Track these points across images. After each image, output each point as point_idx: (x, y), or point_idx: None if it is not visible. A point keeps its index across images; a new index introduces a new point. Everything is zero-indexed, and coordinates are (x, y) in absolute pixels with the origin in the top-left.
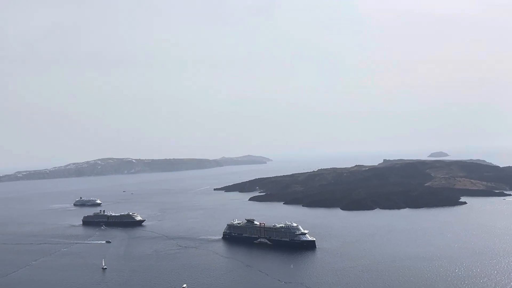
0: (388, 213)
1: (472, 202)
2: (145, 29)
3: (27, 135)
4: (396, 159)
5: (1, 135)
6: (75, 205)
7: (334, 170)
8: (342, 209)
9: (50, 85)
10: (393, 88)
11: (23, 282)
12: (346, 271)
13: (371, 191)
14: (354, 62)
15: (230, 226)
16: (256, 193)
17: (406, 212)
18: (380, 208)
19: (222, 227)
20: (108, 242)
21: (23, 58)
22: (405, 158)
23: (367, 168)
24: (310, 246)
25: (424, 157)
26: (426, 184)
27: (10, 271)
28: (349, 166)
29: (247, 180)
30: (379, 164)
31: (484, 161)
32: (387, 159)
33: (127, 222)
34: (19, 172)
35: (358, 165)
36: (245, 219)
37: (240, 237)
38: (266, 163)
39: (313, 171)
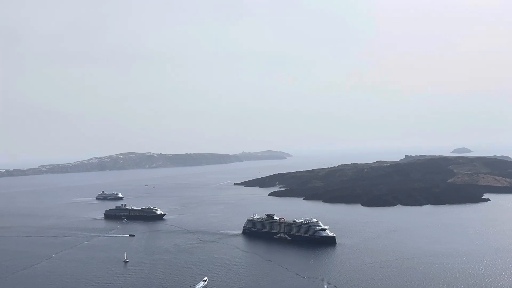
0: (409, 210)
1: (496, 199)
2: (163, 25)
3: (51, 130)
4: (418, 155)
5: (25, 129)
6: (97, 198)
7: (355, 165)
8: (363, 205)
9: (71, 81)
10: (417, 85)
11: (45, 274)
12: (366, 267)
13: (392, 187)
14: (374, 58)
15: (250, 221)
16: (276, 188)
17: (428, 208)
18: (402, 205)
19: (242, 222)
20: (131, 235)
21: (45, 55)
22: (427, 154)
23: (388, 164)
24: (330, 241)
25: (446, 153)
26: (448, 181)
27: (33, 263)
28: (370, 162)
29: (267, 175)
30: (400, 160)
31: (508, 157)
32: (409, 155)
33: (148, 216)
34: (43, 166)
35: (379, 161)
36: (265, 214)
37: (260, 232)
38: (286, 158)
39: (334, 166)
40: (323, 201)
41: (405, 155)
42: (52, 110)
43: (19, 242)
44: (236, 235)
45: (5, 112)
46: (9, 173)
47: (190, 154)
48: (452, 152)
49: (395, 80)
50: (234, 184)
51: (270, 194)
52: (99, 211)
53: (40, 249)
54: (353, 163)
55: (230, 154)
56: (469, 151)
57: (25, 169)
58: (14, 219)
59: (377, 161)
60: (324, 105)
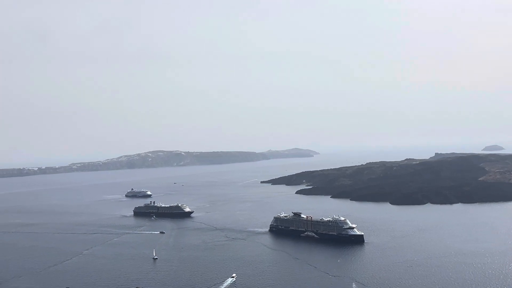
0: (439, 208)
1: None
2: (191, 24)
3: (82, 128)
4: (449, 152)
5: (56, 128)
6: (126, 196)
7: (383, 163)
8: (392, 203)
9: (101, 79)
10: (448, 82)
11: (75, 270)
12: (395, 266)
13: (422, 185)
14: (406, 56)
15: (277, 219)
16: (303, 186)
17: (458, 207)
18: (431, 203)
19: (269, 220)
20: (162, 232)
21: (76, 53)
22: (458, 152)
23: (417, 162)
24: (358, 240)
25: (478, 150)
26: (480, 179)
27: (64, 259)
28: (399, 160)
29: (294, 173)
30: (430, 158)
31: None
32: (439, 152)
33: (176, 213)
34: (73, 164)
35: (409, 158)
36: (292, 212)
37: (287, 230)
38: (313, 156)
39: (362, 164)
40: (350, 200)
41: (435, 153)
42: (81, 109)
43: (51, 239)
44: (263, 233)
45: (36, 112)
46: (41, 171)
47: (217, 152)
48: (484, 149)
49: (425, 76)
50: (261, 182)
51: (297, 192)
52: (128, 208)
53: (71, 246)
54: (381, 161)
55: (256, 152)
56: (501, 148)
57: (57, 167)
58: (46, 216)
59: (406, 159)
60: (352, 103)
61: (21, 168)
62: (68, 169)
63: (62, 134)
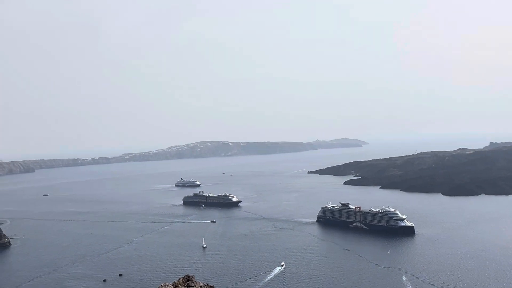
0: (494, 199)
1: None
2: (242, 14)
3: (133, 119)
4: (504, 141)
5: (109, 119)
6: (176, 185)
7: (435, 153)
8: (444, 194)
9: (151, 71)
10: (502, 67)
11: (127, 257)
12: (447, 258)
13: (475, 176)
14: (456, 41)
15: (325, 210)
16: (351, 177)
17: None
18: (486, 194)
19: (316, 210)
20: (212, 221)
21: (124, 44)
22: None
23: (471, 152)
24: (409, 231)
25: None
26: None
27: (117, 246)
28: (452, 150)
29: (342, 164)
30: (485, 147)
31: None
32: (494, 142)
33: (224, 203)
34: (125, 154)
35: (462, 148)
36: (340, 203)
37: (335, 220)
38: (361, 146)
39: (412, 154)
40: (400, 190)
41: (490, 142)
42: (132, 99)
43: (104, 227)
44: (310, 223)
45: (89, 104)
46: (94, 161)
47: (264, 142)
48: None
49: (478, 62)
50: (308, 172)
51: (345, 183)
52: (178, 197)
53: (123, 234)
54: (433, 151)
55: (304, 142)
56: None
57: (109, 157)
58: (99, 205)
59: (459, 149)
60: (403, 91)
61: (76, 158)
62: (120, 159)
63: (113, 125)
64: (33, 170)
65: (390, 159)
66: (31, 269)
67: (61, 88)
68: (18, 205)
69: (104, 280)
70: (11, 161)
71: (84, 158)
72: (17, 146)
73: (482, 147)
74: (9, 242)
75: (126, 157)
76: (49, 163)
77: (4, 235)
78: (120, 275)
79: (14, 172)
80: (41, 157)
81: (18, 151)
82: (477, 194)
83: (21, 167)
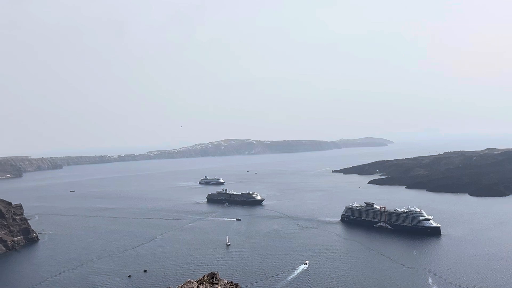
0: None
1: None
2: (265, 13)
3: (158, 117)
4: None
5: (134, 117)
6: (200, 183)
7: (462, 153)
8: (471, 194)
9: (175, 68)
10: None
11: (152, 253)
12: (473, 259)
13: (504, 176)
14: (479, 42)
15: (349, 209)
16: (376, 176)
17: None
18: None
19: (340, 210)
20: (238, 219)
21: (150, 43)
22: None
23: (499, 152)
24: (435, 232)
25: None
26: None
27: (141, 243)
28: (479, 149)
29: (367, 163)
30: None
31: None
32: None
33: (248, 201)
34: (151, 152)
35: (490, 148)
36: (365, 203)
37: (359, 220)
38: (387, 145)
39: (439, 154)
40: (427, 190)
41: None
42: (158, 98)
43: (129, 223)
44: (334, 223)
45: (117, 103)
46: (121, 158)
47: (288, 141)
48: None
49: (508, 64)
50: (332, 171)
51: (370, 182)
52: (202, 195)
53: (147, 230)
54: (460, 151)
55: (328, 141)
56: None
57: (135, 154)
58: (125, 201)
59: (487, 149)
60: (429, 90)
61: (102, 155)
62: (146, 156)
63: (139, 123)
64: (60, 167)
65: (416, 158)
66: (58, 264)
67: (89, 86)
68: (46, 201)
69: (129, 276)
70: (40, 158)
71: (111, 155)
72: (45, 143)
73: (510, 147)
74: (37, 237)
75: (151, 154)
76: (76, 160)
77: (33, 230)
78: (145, 271)
79: (42, 169)
80: (69, 154)
81: (46, 148)
82: (505, 195)
83: (49, 164)
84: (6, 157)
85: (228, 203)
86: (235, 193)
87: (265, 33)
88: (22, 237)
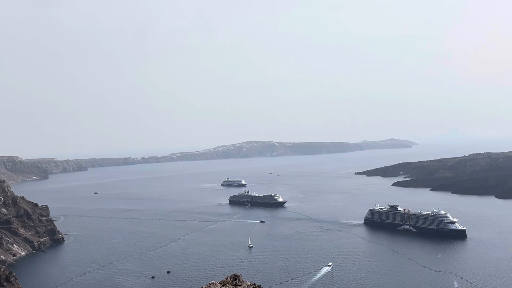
0: None
1: None
2: (283, 18)
3: (181, 120)
4: None
5: (157, 119)
6: (222, 185)
7: (488, 155)
8: (497, 197)
9: (196, 72)
10: None
11: (174, 255)
12: (500, 263)
13: None
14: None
15: (372, 212)
16: (400, 178)
17: None
18: None
19: (363, 212)
20: (262, 222)
21: (175, 45)
22: None
23: None
24: (460, 235)
25: None
26: None
27: (164, 244)
28: (506, 151)
29: (390, 165)
30: None
31: None
32: None
33: (270, 203)
34: (174, 154)
35: None
36: (388, 205)
37: (383, 223)
38: (411, 147)
39: (464, 156)
40: (452, 193)
41: None
42: (180, 100)
43: (152, 224)
44: (357, 225)
45: (138, 105)
46: (144, 160)
47: (310, 142)
48: None
49: None
50: (355, 173)
51: (394, 184)
52: (224, 197)
53: (170, 231)
54: (486, 152)
55: (351, 142)
56: None
57: (159, 156)
58: (148, 203)
59: None
60: (453, 91)
61: (126, 157)
62: (169, 158)
63: (161, 125)
64: (85, 169)
65: (440, 160)
66: (83, 264)
67: (110, 90)
68: (71, 202)
69: (153, 277)
70: (65, 160)
71: (134, 157)
72: (71, 145)
73: None
74: (62, 238)
75: (174, 156)
76: (100, 162)
77: (58, 231)
78: (168, 272)
79: (68, 171)
80: (94, 156)
81: (71, 150)
82: None
83: (74, 166)
84: (33, 159)
85: (250, 205)
86: (257, 195)
87: (282, 35)
88: (48, 238)
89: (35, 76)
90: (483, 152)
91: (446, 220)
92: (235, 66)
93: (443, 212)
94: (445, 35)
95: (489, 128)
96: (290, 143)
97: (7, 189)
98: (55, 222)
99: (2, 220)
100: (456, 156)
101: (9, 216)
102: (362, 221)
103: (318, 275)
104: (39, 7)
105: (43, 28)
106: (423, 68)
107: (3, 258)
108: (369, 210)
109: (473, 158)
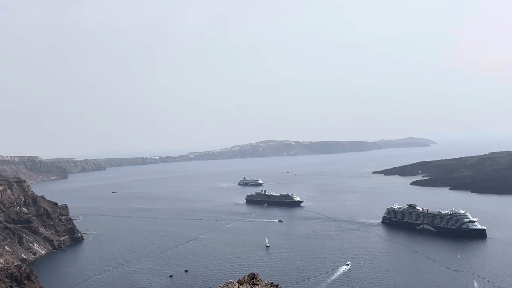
0: None
1: None
2: (295, 18)
3: (198, 119)
4: None
5: (175, 119)
6: (239, 184)
7: (508, 153)
8: None
9: (211, 71)
10: None
11: (192, 253)
12: None
13: None
14: None
15: (390, 211)
16: (419, 177)
17: None
18: None
19: (381, 211)
20: (280, 221)
21: (190, 45)
22: None
23: None
24: (480, 235)
25: None
26: None
27: (182, 243)
28: None
29: (409, 164)
30: None
31: None
32: None
33: (286, 202)
34: (191, 153)
35: None
36: (407, 204)
37: (401, 222)
38: (429, 145)
39: (484, 154)
40: (471, 192)
41: None
42: (195, 100)
43: (170, 223)
44: (375, 225)
45: (157, 104)
46: (162, 160)
47: (327, 141)
48: None
49: None
50: (373, 172)
51: (412, 183)
52: (240, 196)
53: (187, 230)
54: (506, 151)
55: (368, 141)
56: None
57: (176, 156)
58: (166, 202)
59: None
60: (472, 89)
61: (144, 157)
62: (186, 158)
63: (177, 126)
64: (104, 168)
65: (460, 159)
66: (101, 263)
67: (131, 91)
68: (90, 201)
69: (171, 276)
70: (84, 160)
71: (152, 157)
72: (90, 145)
73: None
74: (82, 237)
75: (191, 156)
76: (119, 162)
77: (78, 230)
78: (186, 271)
79: (87, 170)
80: (112, 155)
81: (91, 150)
82: None
83: (93, 165)
84: (53, 159)
85: (267, 204)
86: (274, 194)
87: (296, 35)
88: (67, 236)
89: (51, 79)
90: (503, 150)
91: (465, 220)
92: (246, 67)
93: (462, 212)
94: (462, 33)
95: (509, 127)
96: (306, 142)
97: (28, 188)
98: (74, 221)
99: (22, 219)
100: (476, 155)
101: (29, 215)
102: (380, 221)
103: (336, 274)
104: (58, 8)
105: (60, 30)
106: (440, 67)
107: (24, 256)
108: (387, 209)
109: (493, 157)
